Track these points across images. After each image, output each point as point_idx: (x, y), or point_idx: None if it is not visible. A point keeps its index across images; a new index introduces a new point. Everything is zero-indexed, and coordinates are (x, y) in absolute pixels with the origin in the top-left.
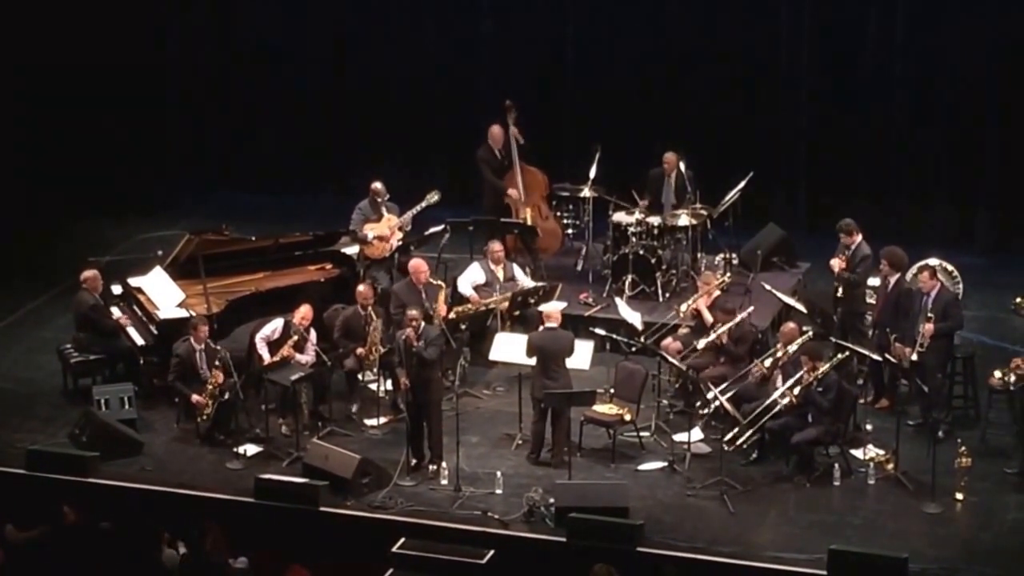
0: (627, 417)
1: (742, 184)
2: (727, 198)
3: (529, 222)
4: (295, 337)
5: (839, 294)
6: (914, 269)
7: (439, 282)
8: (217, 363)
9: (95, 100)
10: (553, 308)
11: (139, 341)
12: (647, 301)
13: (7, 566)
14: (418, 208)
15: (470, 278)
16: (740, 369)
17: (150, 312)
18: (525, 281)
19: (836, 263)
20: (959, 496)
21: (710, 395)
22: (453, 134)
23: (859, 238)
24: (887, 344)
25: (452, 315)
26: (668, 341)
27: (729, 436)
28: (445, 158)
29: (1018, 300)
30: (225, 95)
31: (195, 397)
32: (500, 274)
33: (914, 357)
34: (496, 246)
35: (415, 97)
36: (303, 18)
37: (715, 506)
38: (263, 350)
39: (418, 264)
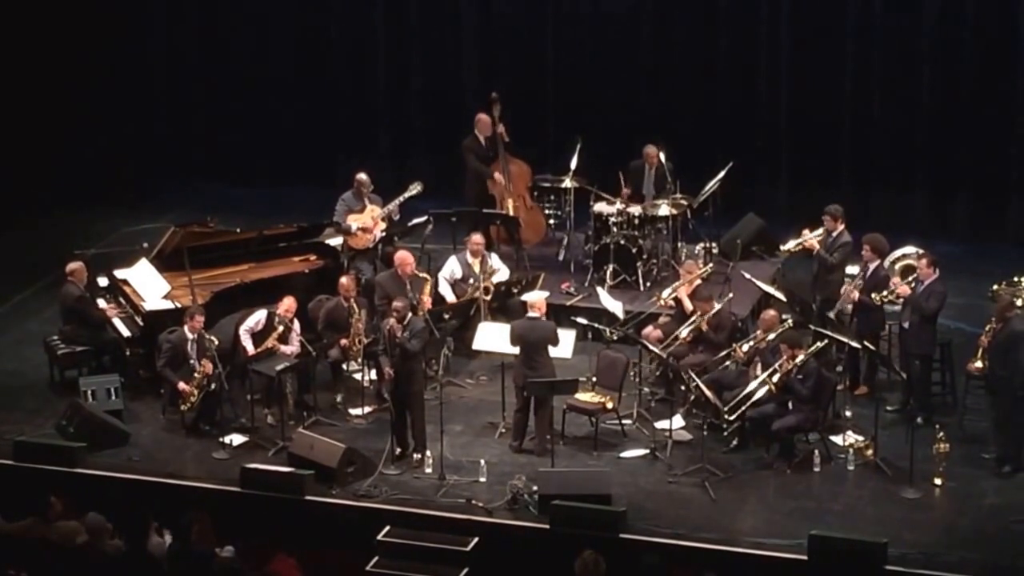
0: (609, 405)
1: (721, 174)
2: (707, 188)
3: (511, 212)
4: (279, 328)
5: (815, 272)
6: (893, 256)
7: (425, 275)
8: (209, 353)
9: (80, 92)
10: (536, 298)
11: (125, 333)
12: (628, 290)
13: None
14: (401, 199)
15: (447, 273)
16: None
17: (136, 304)
18: (503, 273)
19: (809, 233)
20: (938, 482)
21: (691, 382)
22: (436, 126)
23: (842, 227)
24: (865, 331)
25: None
26: (649, 329)
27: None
28: (428, 150)
29: (995, 288)
30: (210, 87)
31: (181, 385)
32: (477, 268)
33: (831, 314)
34: (476, 238)
35: (398, 88)
36: (288, 10)
37: (697, 493)
38: (247, 342)
39: (404, 256)
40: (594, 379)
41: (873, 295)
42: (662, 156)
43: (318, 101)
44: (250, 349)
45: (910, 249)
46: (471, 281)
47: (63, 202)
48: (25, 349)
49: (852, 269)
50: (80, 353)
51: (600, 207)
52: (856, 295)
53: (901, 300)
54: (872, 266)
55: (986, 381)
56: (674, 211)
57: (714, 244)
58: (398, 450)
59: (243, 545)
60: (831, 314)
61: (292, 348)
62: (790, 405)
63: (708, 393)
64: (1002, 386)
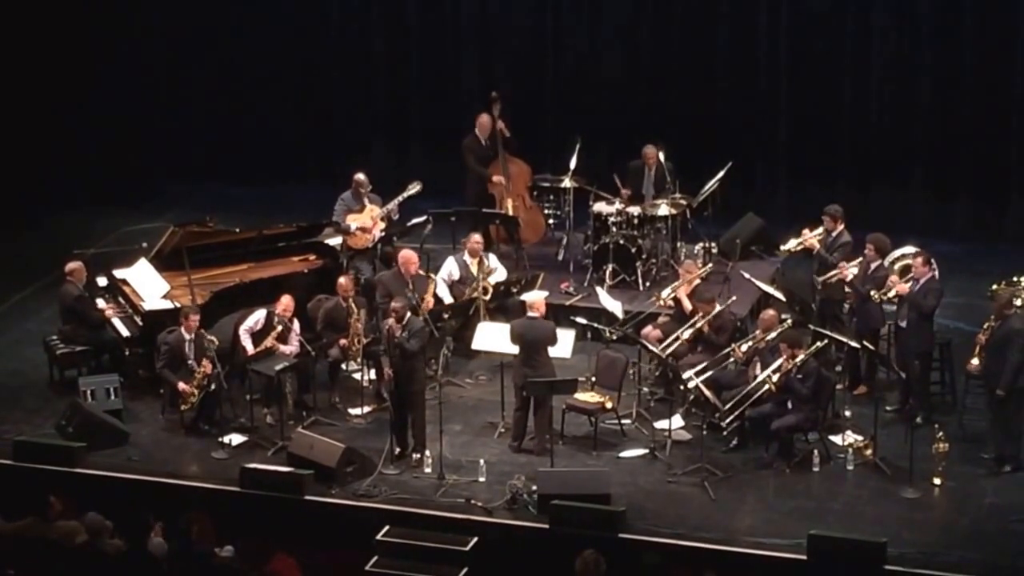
0: (608, 405)
1: (721, 174)
2: (706, 188)
3: (511, 212)
4: (278, 328)
5: (815, 272)
6: (892, 256)
7: (429, 274)
8: (210, 353)
9: (80, 93)
10: (536, 297)
11: (124, 332)
12: (628, 290)
13: None
14: (400, 198)
15: (444, 274)
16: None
17: (135, 304)
18: (501, 273)
19: (809, 233)
20: (937, 481)
21: (689, 382)
22: (436, 125)
23: (842, 227)
24: (864, 330)
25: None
26: (648, 329)
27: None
28: (427, 149)
29: (995, 287)
30: (210, 87)
31: (182, 385)
32: (475, 268)
33: (819, 280)
34: (476, 238)
35: (398, 88)
36: (287, 11)
37: (696, 492)
38: (246, 341)
39: (408, 256)
40: (593, 379)
41: (872, 293)
42: (661, 156)
43: (318, 101)
44: (249, 349)
45: (909, 249)
46: (470, 283)
47: (63, 202)
48: (25, 349)
49: (852, 269)
50: (79, 353)
51: (599, 207)
52: (849, 276)
53: (898, 299)
54: (873, 265)
55: (985, 380)
56: (673, 211)
57: (713, 244)
58: (397, 450)
59: (243, 545)
60: (819, 280)
61: (291, 348)
62: (789, 405)
63: (707, 393)
64: (998, 384)
